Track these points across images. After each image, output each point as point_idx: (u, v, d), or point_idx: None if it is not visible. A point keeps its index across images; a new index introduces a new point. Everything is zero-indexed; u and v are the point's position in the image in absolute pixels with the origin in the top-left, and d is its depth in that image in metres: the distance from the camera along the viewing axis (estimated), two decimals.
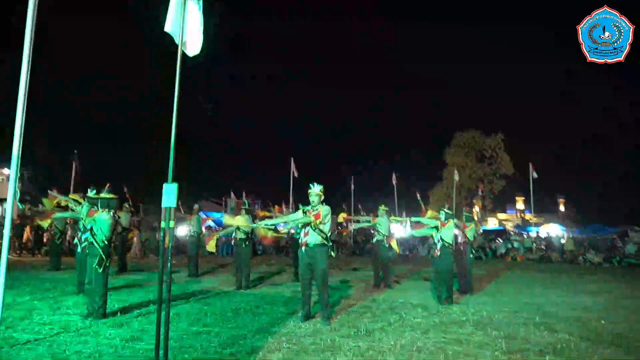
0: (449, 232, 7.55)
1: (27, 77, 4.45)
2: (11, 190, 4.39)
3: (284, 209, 16.08)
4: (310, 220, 5.78)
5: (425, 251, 21.65)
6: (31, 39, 4.41)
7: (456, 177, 25.11)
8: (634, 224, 23.92)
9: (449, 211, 7.84)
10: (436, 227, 7.61)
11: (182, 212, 12.80)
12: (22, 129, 4.42)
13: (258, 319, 5.95)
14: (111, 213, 5.86)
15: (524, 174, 28.85)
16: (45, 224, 9.21)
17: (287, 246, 21.67)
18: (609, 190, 41.28)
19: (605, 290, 9.61)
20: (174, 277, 10.29)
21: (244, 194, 25.94)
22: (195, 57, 3.84)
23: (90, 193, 7.64)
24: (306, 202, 6.29)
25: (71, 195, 7.81)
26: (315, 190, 6.00)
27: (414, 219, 8.90)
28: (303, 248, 5.87)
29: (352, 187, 26.34)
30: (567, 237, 22.20)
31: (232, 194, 24.55)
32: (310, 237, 5.82)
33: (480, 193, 26.24)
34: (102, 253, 5.63)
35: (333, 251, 6.01)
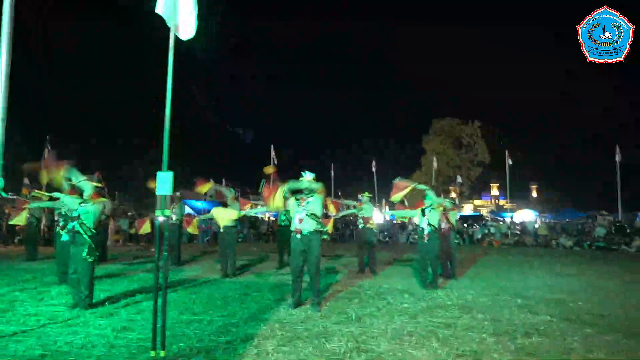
0: (436, 216, 7.68)
1: (7, 66, 4.28)
2: None
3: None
4: (317, 188, 5.80)
5: (405, 238, 22.00)
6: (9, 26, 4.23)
7: (435, 164, 25.72)
8: (602, 209, 24.93)
9: (440, 199, 7.99)
10: (422, 211, 7.71)
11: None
12: (5, 115, 4.26)
13: (247, 307, 5.97)
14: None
15: (499, 161, 29.59)
16: (20, 221, 8.81)
17: (269, 233, 21.73)
18: (578, 178, 42.65)
19: (579, 273, 9.99)
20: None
21: (223, 181, 25.79)
22: (188, 40, 3.75)
23: (75, 180, 7.46)
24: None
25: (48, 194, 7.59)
26: (307, 177, 6.01)
27: (398, 213, 8.99)
28: (298, 235, 5.87)
29: (332, 174, 26.50)
30: (541, 222, 22.90)
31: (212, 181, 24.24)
32: (305, 224, 5.84)
33: (458, 180, 26.72)
34: (91, 242, 5.51)
35: (326, 235, 6.04)
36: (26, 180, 22.91)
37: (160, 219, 3.75)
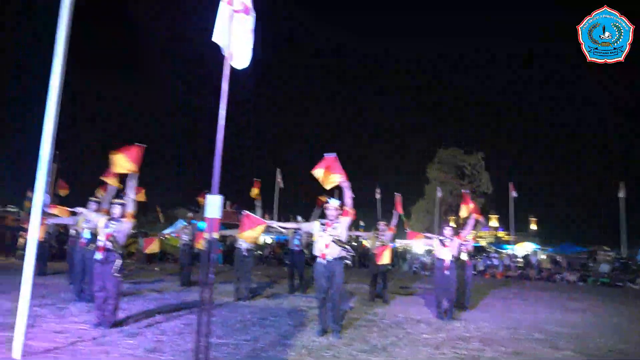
0: (457, 246, 7.77)
1: (60, 80, 4.43)
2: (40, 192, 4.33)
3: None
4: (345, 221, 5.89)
5: (407, 267, 21.91)
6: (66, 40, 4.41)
7: (439, 194, 25.88)
8: (603, 245, 24.98)
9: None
10: (442, 243, 7.78)
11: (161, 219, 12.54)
12: (55, 132, 4.38)
13: (268, 332, 5.96)
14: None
15: (501, 193, 29.82)
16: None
17: (271, 256, 21.59)
18: (578, 212, 42.78)
19: (589, 309, 10.00)
20: (162, 287, 10.13)
21: (227, 204, 25.75)
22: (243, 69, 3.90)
23: (97, 199, 7.53)
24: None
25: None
26: (333, 204, 6.10)
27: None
28: (322, 261, 5.91)
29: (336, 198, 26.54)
30: (545, 256, 22.89)
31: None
32: (331, 250, 5.89)
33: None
34: (120, 260, 5.57)
35: (350, 261, 6.08)
36: (29, 194, 22.91)
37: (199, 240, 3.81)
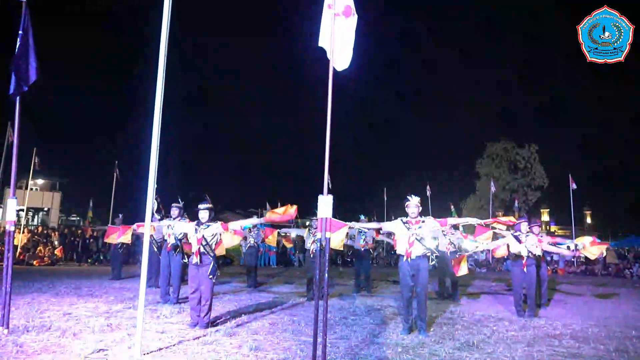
0: (534, 242, 7.58)
1: (161, 99, 4.67)
2: (149, 205, 4.58)
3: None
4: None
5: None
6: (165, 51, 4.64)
7: (492, 189, 25.21)
8: None
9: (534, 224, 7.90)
10: (517, 239, 7.61)
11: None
12: (158, 142, 4.62)
13: (355, 330, 6.03)
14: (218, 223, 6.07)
15: (557, 186, 28.69)
16: (126, 239, 9.37)
17: (340, 256, 21.63)
18: (635, 203, 40.41)
19: None
20: (233, 289, 10.42)
21: (279, 205, 26.24)
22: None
23: (178, 204, 7.87)
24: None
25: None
26: (414, 201, 6.10)
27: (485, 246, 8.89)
28: (407, 259, 5.93)
29: (385, 197, 26.38)
30: (610, 249, 21.80)
31: (268, 206, 24.72)
32: (415, 248, 5.90)
33: (516, 205, 25.96)
34: (215, 262, 5.81)
35: (434, 261, 6.06)
36: (91, 204, 24.08)
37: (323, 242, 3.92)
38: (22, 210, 26.48)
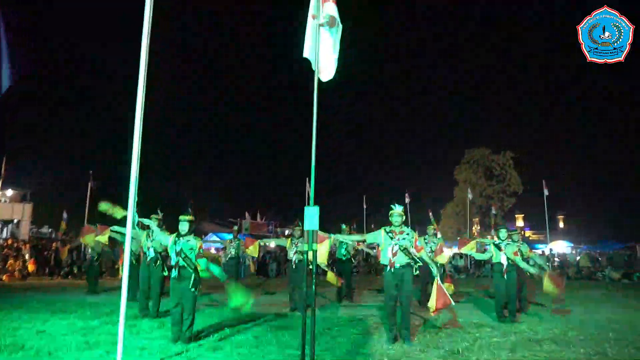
0: (513, 250, 7.71)
1: (142, 104, 4.57)
2: (131, 210, 4.45)
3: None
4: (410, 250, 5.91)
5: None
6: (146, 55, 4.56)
7: (470, 196, 25.62)
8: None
9: (512, 232, 8.04)
10: (497, 247, 7.73)
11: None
12: (139, 149, 4.51)
13: (340, 342, 5.98)
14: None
15: (531, 192, 29.37)
16: (103, 238, 9.09)
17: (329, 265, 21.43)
18: (608, 208, 41.61)
19: None
20: (213, 300, 10.21)
21: (258, 215, 26.02)
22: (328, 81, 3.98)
23: (157, 216, 7.70)
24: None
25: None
26: (398, 210, 6.12)
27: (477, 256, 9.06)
28: (391, 269, 5.93)
29: (364, 205, 26.52)
30: (583, 253, 22.41)
31: (248, 215, 24.53)
32: (399, 258, 5.90)
33: (493, 211, 26.45)
34: (195, 275, 5.67)
35: (417, 270, 6.08)
36: (65, 215, 23.44)
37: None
38: None
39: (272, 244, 10.38)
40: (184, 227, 5.90)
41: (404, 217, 6.23)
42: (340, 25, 3.96)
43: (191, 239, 5.86)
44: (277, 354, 5.24)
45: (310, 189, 3.63)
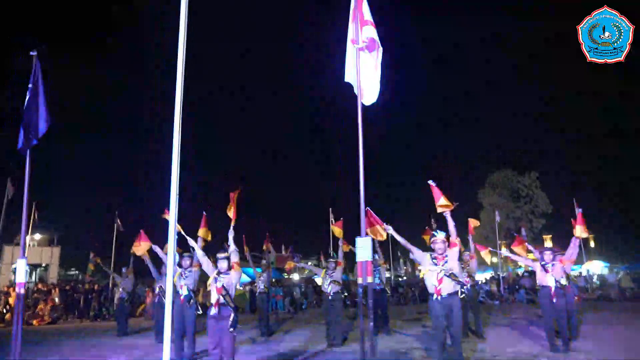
0: (560, 272, 7.33)
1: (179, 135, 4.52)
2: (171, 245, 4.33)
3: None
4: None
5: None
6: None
7: (497, 218, 24.95)
8: None
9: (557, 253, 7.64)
10: (544, 269, 7.35)
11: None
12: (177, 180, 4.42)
13: None
14: None
15: (561, 212, 28.48)
16: (142, 250, 8.85)
17: (348, 296, 20.87)
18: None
19: None
20: (246, 338, 9.92)
21: (283, 247, 25.66)
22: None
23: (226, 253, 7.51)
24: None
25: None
26: (441, 236, 5.89)
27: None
28: (438, 297, 5.63)
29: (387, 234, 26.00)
30: (622, 273, 21.42)
31: (272, 249, 24.27)
32: (445, 285, 5.62)
33: (523, 233, 25.60)
34: (235, 314, 5.47)
35: (463, 294, 5.77)
36: (92, 256, 23.63)
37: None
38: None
39: (310, 264, 9.89)
40: (223, 264, 5.75)
41: (447, 243, 5.98)
42: (381, 48, 3.89)
43: (230, 275, 5.69)
44: None
45: (361, 219, 3.47)
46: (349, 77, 3.76)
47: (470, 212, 32.87)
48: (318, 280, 26.21)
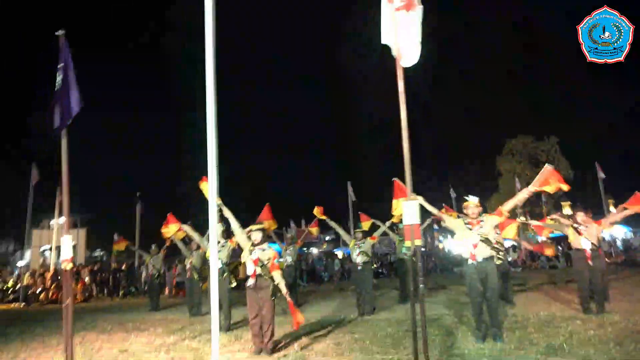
0: (594, 233, 7.26)
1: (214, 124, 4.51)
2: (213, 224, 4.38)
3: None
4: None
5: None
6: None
7: (518, 186, 24.70)
8: None
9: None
10: (577, 231, 7.27)
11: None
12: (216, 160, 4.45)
13: None
14: None
15: (582, 177, 28.03)
16: (171, 232, 9.06)
17: (382, 266, 21.13)
18: None
19: None
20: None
21: (303, 223, 25.90)
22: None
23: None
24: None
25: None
26: (474, 201, 5.86)
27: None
28: (473, 262, 5.64)
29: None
30: None
31: (292, 224, 24.52)
32: (480, 250, 5.62)
33: (543, 199, 25.42)
34: (273, 283, 5.57)
35: (499, 260, 5.78)
36: (116, 237, 24.10)
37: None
38: (50, 249, 26.56)
39: (340, 230, 9.86)
40: (257, 236, 5.82)
41: (481, 208, 5.95)
42: (421, 7, 3.77)
43: (266, 248, 5.77)
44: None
45: (407, 180, 3.44)
46: (386, 38, 3.66)
47: (488, 178, 32.72)
48: (339, 254, 26.52)
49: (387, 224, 9.67)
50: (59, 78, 5.15)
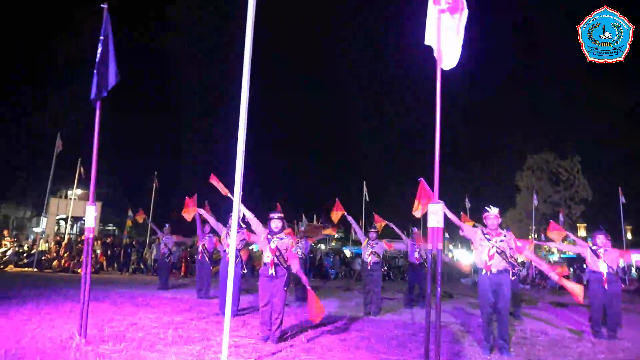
0: (614, 258, 7.15)
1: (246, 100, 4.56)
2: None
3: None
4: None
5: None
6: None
7: (535, 202, 24.41)
8: None
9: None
10: (596, 254, 7.17)
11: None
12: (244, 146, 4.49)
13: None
14: None
15: (603, 199, 27.55)
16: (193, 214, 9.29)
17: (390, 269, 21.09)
18: None
19: None
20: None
21: (314, 218, 26.08)
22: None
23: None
24: None
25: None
26: (494, 212, 5.82)
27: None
28: (487, 273, 5.61)
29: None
30: None
31: (304, 218, 24.62)
32: (496, 261, 5.58)
33: (561, 219, 25.00)
34: (289, 274, 5.62)
35: (514, 275, 5.74)
36: (130, 213, 24.43)
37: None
38: (64, 219, 27.09)
39: (357, 228, 9.80)
40: (276, 224, 5.87)
41: (500, 219, 5.90)
42: (466, 10, 3.77)
43: (284, 237, 5.82)
44: (370, 358, 5.06)
45: (435, 184, 3.44)
46: (430, 39, 3.67)
47: (506, 193, 32.32)
48: (346, 252, 26.53)
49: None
50: (99, 50, 5.25)
